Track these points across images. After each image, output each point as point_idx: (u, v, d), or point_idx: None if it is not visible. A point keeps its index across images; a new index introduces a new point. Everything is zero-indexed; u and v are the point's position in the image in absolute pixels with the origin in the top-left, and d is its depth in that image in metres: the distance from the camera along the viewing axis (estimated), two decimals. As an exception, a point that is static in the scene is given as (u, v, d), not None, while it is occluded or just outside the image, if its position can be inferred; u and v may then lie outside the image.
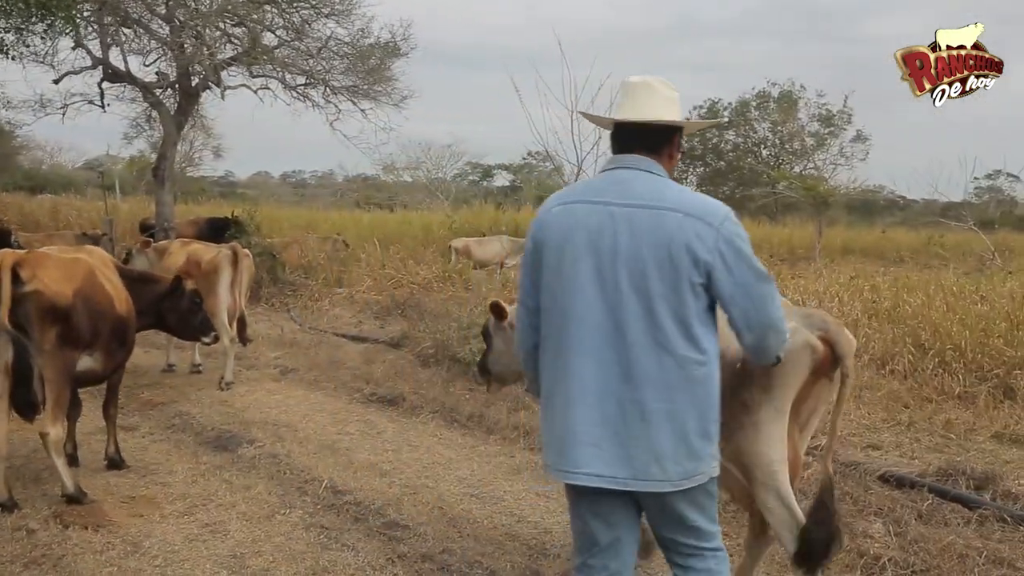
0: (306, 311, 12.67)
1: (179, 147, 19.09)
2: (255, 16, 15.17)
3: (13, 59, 10.24)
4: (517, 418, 6.89)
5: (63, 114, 16.31)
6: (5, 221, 15.34)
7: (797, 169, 36.47)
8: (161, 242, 9.97)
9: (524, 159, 45.21)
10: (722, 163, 40.71)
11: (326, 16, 15.58)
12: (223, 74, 15.46)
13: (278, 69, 15.93)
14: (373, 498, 5.25)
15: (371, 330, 11.33)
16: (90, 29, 14.71)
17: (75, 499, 4.88)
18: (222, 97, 15.83)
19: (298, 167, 66.82)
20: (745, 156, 39.51)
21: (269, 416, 7.14)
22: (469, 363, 8.31)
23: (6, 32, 8.57)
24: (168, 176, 15.79)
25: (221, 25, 15.39)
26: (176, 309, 6.15)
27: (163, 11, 14.73)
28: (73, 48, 14.82)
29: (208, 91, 16.02)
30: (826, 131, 37.08)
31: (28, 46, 10.30)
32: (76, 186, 38.22)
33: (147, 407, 7.29)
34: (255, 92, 16.26)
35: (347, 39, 15.91)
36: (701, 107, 39.72)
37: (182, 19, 14.60)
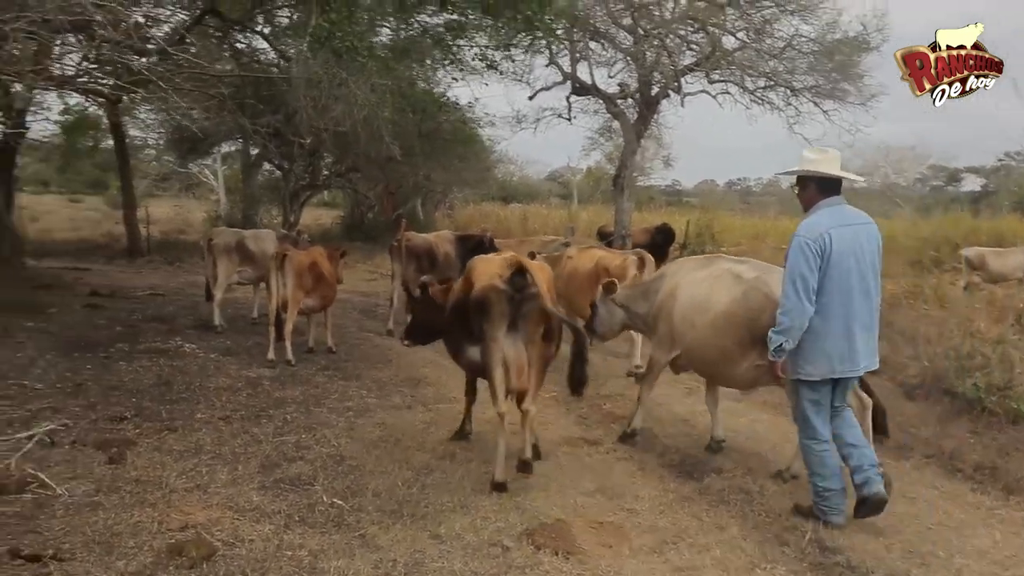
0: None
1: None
2: (715, 20, 14.84)
3: (498, 71, 11.05)
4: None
5: (535, 128, 17.53)
6: (486, 229, 16.72)
7: None
8: (553, 254, 10.10)
9: (1000, 160, 39.76)
10: None
11: (790, 13, 14.74)
12: (682, 80, 15.35)
13: (736, 72, 15.41)
14: (871, 564, 4.38)
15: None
16: (561, 46, 15.53)
17: (500, 487, 5.19)
18: (682, 104, 15.77)
19: (742, 175, 66.13)
20: None
21: (734, 442, 6.56)
22: (972, 400, 7.00)
23: (495, 50, 9.28)
24: (627, 184, 16.15)
25: (682, 32, 15.32)
26: None
27: (628, 22, 15.00)
28: (546, 65, 15.90)
29: (666, 99, 16.06)
30: None
31: (514, 61, 11.09)
32: (540, 196, 41.72)
33: (609, 420, 7.12)
34: (714, 97, 15.96)
35: (812, 35, 14.89)
36: None
37: (645, 29, 14.73)
